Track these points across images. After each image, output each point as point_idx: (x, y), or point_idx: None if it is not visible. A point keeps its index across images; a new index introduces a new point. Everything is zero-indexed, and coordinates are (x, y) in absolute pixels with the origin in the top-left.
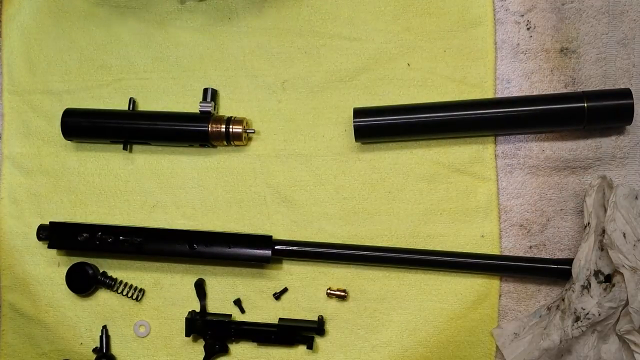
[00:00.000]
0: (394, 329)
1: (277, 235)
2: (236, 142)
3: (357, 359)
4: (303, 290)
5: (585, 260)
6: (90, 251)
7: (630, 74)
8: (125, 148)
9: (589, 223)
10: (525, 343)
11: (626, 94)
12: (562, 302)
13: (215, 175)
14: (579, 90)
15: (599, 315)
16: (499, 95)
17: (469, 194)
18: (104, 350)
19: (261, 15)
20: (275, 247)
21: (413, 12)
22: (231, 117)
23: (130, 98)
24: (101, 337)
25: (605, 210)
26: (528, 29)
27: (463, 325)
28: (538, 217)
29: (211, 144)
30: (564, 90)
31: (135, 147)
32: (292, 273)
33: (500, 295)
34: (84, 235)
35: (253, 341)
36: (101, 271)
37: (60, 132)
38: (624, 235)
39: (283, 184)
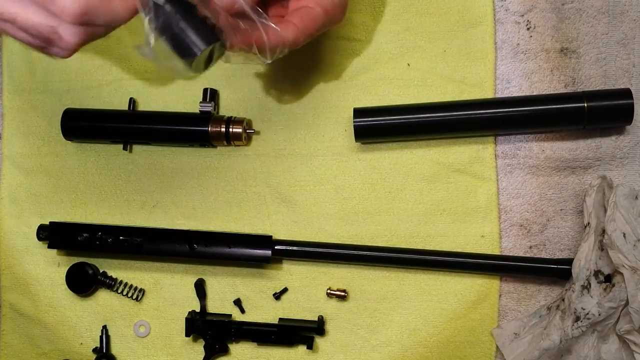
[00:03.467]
0: (394, 329)
1: (277, 235)
2: (236, 142)
3: (357, 359)
4: (303, 290)
5: (585, 260)
6: (90, 251)
7: (630, 74)
8: (125, 148)
9: (589, 223)
10: (525, 343)
11: (626, 94)
12: (562, 302)
13: (215, 175)
14: (579, 90)
15: (599, 315)
16: (499, 95)
17: (469, 194)
18: (104, 350)
19: None
20: (275, 247)
21: (413, 12)
22: (231, 117)
23: (130, 98)
24: (101, 337)
25: (605, 210)
26: (528, 29)
27: (463, 325)
28: (538, 217)
29: (211, 144)
30: (564, 90)
31: (135, 147)
32: (292, 273)
33: (500, 295)
34: (84, 235)
35: (253, 341)
36: (101, 271)
37: (60, 132)
38: (624, 235)
39: (283, 184)
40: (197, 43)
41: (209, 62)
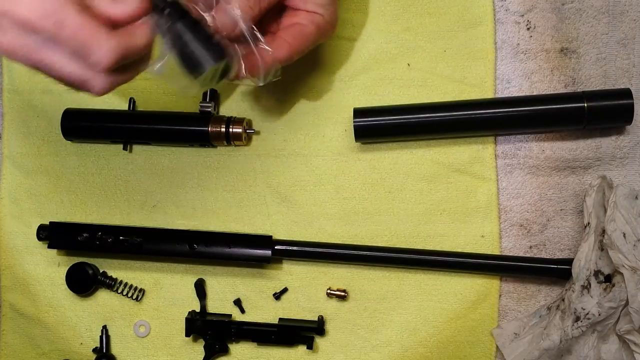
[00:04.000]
0: (394, 329)
1: (277, 235)
2: (236, 142)
3: (357, 359)
4: (303, 290)
5: (585, 260)
6: (90, 251)
7: (630, 74)
8: (125, 148)
9: (589, 223)
10: (525, 343)
11: (626, 94)
12: (562, 302)
13: (215, 175)
14: (579, 90)
15: (599, 315)
16: (499, 95)
17: (469, 194)
18: (104, 350)
19: None
20: (275, 247)
21: (413, 12)
22: (231, 117)
23: (130, 98)
24: (101, 337)
25: (605, 210)
26: (528, 29)
27: (463, 325)
28: (538, 217)
29: (211, 144)
30: (564, 90)
31: (135, 147)
32: (292, 273)
33: (500, 295)
34: (84, 235)
35: (253, 341)
36: (101, 271)
37: (60, 132)
38: (624, 235)
39: (283, 184)
40: (206, 59)
41: (214, 79)
